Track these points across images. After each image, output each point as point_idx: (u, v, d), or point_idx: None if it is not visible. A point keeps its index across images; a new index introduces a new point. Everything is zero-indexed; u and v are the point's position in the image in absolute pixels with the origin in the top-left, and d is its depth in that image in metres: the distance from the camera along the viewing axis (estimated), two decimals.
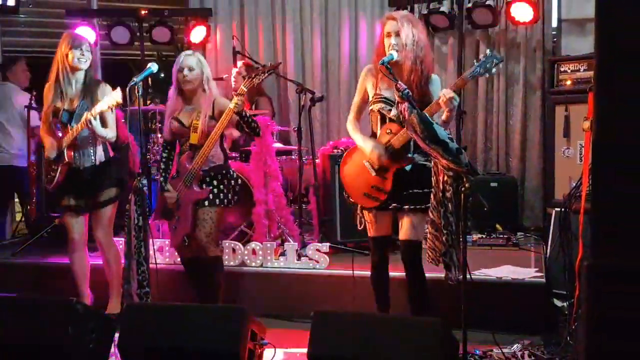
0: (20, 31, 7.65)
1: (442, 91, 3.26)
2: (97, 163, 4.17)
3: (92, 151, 4.16)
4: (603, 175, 2.17)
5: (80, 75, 4.16)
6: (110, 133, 4.13)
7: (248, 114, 3.95)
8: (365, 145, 3.49)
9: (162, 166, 4.19)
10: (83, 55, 4.11)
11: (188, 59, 4.01)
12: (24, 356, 3.37)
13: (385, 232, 3.59)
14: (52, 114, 4.15)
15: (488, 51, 3.32)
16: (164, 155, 4.21)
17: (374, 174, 3.47)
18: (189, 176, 3.95)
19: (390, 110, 3.44)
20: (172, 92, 4.13)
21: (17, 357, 3.38)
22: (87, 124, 3.98)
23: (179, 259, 4.39)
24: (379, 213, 3.53)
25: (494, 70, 3.29)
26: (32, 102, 6.01)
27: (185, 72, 3.99)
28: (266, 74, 3.98)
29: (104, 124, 4.10)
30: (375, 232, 3.58)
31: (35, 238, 5.63)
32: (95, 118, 3.97)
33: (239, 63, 6.00)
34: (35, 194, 6.06)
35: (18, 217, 6.46)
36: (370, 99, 3.54)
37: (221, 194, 4.01)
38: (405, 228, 3.45)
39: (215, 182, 4.00)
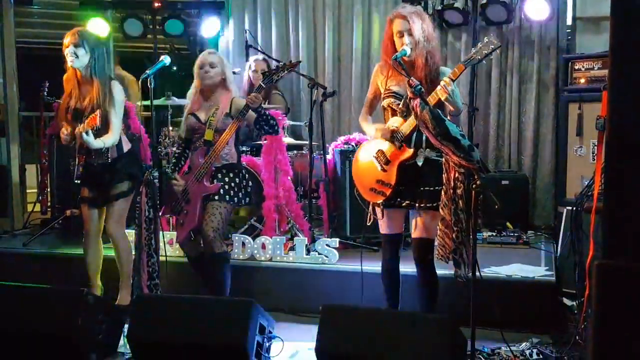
0: (34, 22, 7.68)
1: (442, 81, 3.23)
2: (110, 160, 4.15)
3: (104, 148, 4.10)
4: (616, 174, 2.16)
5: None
6: (109, 140, 4.05)
7: (266, 112, 3.95)
8: (370, 129, 3.57)
9: (173, 160, 4.21)
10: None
11: (211, 56, 4.10)
12: (33, 345, 3.40)
13: (398, 229, 3.58)
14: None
15: (486, 38, 3.27)
16: (178, 151, 4.22)
17: (379, 168, 3.47)
18: (201, 170, 3.96)
19: (399, 104, 3.43)
20: (191, 91, 4.16)
21: (27, 347, 3.42)
22: (79, 139, 3.95)
23: None
24: (391, 210, 3.51)
25: (491, 56, 3.25)
26: (45, 93, 6.03)
27: (207, 68, 4.04)
28: (286, 72, 3.99)
29: (106, 127, 4.04)
30: (387, 230, 3.57)
31: (46, 229, 5.69)
32: (87, 133, 3.88)
33: (252, 59, 5.92)
34: (47, 185, 6.09)
35: (30, 207, 6.50)
36: (382, 95, 3.54)
37: (232, 191, 4.02)
38: (418, 226, 3.43)
39: (226, 179, 4.02)
